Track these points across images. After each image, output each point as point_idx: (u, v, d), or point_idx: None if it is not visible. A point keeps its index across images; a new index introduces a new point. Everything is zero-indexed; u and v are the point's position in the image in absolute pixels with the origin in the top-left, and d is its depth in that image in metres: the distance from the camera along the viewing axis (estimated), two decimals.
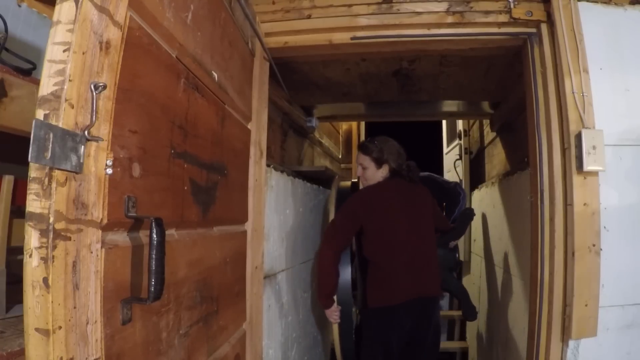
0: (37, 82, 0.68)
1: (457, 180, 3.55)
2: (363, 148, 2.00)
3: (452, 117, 3.64)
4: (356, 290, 2.51)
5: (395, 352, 1.78)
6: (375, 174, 1.95)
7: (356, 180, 2.65)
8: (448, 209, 2.59)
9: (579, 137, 1.30)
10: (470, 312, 2.49)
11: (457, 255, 2.59)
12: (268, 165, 1.75)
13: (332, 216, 2.42)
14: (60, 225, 0.56)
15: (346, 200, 1.92)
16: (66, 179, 0.57)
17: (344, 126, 4.47)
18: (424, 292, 1.80)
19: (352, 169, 4.25)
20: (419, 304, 1.78)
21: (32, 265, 0.54)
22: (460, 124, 3.82)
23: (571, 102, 1.34)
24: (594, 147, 1.28)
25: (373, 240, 1.84)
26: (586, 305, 1.28)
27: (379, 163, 1.94)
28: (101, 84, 0.62)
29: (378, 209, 1.83)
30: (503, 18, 1.51)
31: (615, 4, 1.42)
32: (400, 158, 1.96)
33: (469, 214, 2.41)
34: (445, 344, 3.37)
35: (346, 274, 2.34)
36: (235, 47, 1.30)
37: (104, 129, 0.64)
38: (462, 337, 3.52)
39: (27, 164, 0.54)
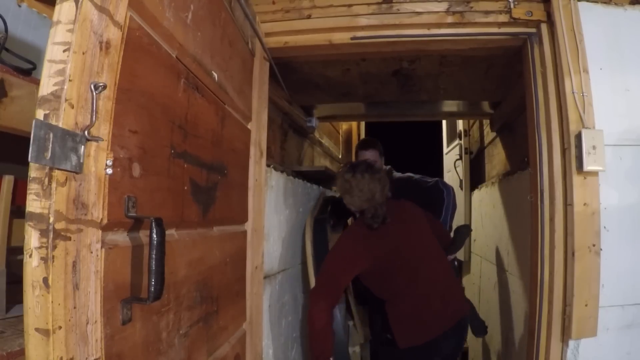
0: (37, 82, 0.68)
1: (462, 183, 3.51)
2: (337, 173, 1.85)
3: (452, 117, 3.64)
4: (352, 319, 2.32)
5: None
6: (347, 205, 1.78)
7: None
8: (434, 210, 2.27)
9: (579, 137, 1.30)
10: (479, 328, 2.24)
11: (455, 267, 2.35)
12: (268, 165, 1.75)
13: (309, 251, 2.13)
14: (60, 225, 0.56)
15: (337, 244, 1.70)
16: (66, 179, 0.57)
17: (344, 126, 4.46)
18: (457, 315, 1.65)
19: None
20: (456, 328, 1.64)
21: (32, 265, 0.54)
22: (460, 124, 3.82)
23: (571, 102, 1.34)
24: (594, 147, 1.28)
25: (380, 277, 1.65)
26: (586, 305, 1.28)
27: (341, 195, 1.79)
28: (101, 84, 0.62)
29: (374, 249, 1.64)
30: (503, 18, 1.51)
31: (615, 4, 1.42)
32: (368, 202, 1.67)
33: (465, 231, 2.10)
34: None
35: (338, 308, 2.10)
36: (235, 47, 1.30)
37: (104, 129, 0.64)
38: None
39: (27, 164, 0.54)
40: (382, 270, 1.63)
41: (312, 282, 2.01)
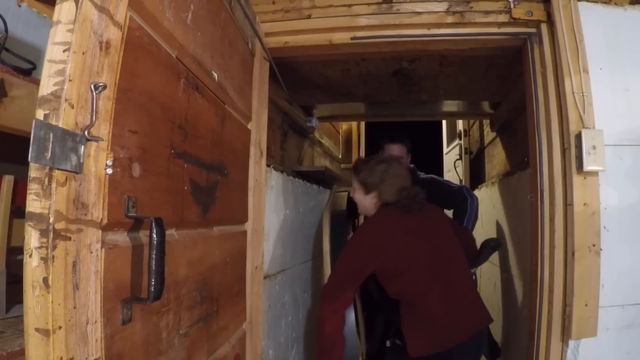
0: (37, 82, 0.68)
1: (462, 183, 3.47)
2: (355, 165, 1.72)
3: (452, 117, 3.64)
4: (357, 327, 2.15)
5: None
6: (363, 201, 1.67)
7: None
8: (454, 217, 2.21)
9: (579, 137, 1.30)
10: (493, 350, 2.10)
11: (474, 280, 2.14)
12: (268, 165, 1.75)
13: (326, 247, 2.04)
14: (60, 225, 0.56)
15: (349, 243, 1.59)
16: (66, 179, 0.57)
17: (344, 126, 4.46)
18: (475, 327, 1.51)
19: None
20: (473, 342, 1.50)
21: (32, 265, 0.54)
22: (460, 124, 3.82)
23: (571, 102, 1.34)
24: (594, 147, 1.28)
25: (399, 275, 1.51)
26: (586, 305, 1.28)
27: (367, 189, 1.65)
28: (101, 84, 0.62)
29: (394, 245, 1.51)
30: (503, 18, 1.51)
31: (615, 4, 1.42)
32: (402, 189, 1.60)
33: (494, 245, 1.94)
34: None
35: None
36: (235, 47, 1.30)
37: (104, 129, 0.64)
38: None
39: (27, 164, 0.54)
40: (403, 268, 1.49)
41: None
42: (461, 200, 2.17)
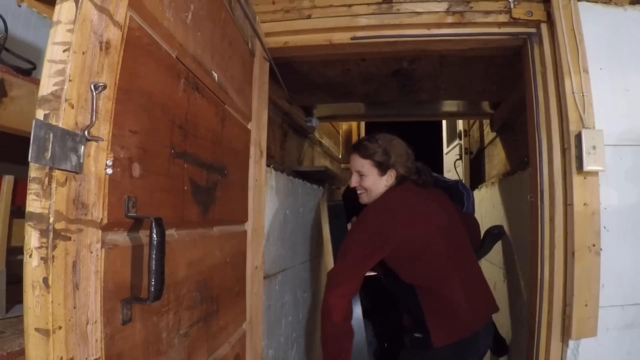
0: (37, 82, 0.68)
1: (458, 178, 3.45)
2: (361, 149, 1.56)
3: (452, 117, 3.64)
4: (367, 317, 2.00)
5: None
6: (377, 184, 1.53)
7: (345, 191, 2.32)
8: None
9: (579, 137, 1.30)
10: (500, 346, 2.06)
11: None
12: (268, 165, 1.75)
13: (326, 231, 1.95)
14: (60, 225, 0.56)
15: (359, 224, 1.46)
16: (66, 179, 0.57)
17: (344, 126, 4.47)
18: (490, 311, 1.50)
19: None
20: (489, 324, 1.48)
21: (32, 265, 0.54)
22: (460, 124, 3.82)
23: (571, 102, 1.34)
24: (594, 147, 1.28)
25: (414, 257, 1.42)
26: (586, 305, 1.28)
27: (382, 169, 1.52)
28: (101, 84, 0.62)
29: (409, 225, 1.41)
30: (503, 18, 1.51)
31: (615, 4, 1.42)
32: (409, 160, 1.56)
33: (498, 233, 1.94)
34: None
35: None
36: (235, 47, 1.30)
37: (104, 129, 0.64)
38: None
39: (27, 164, 0.54)
40: (420, 250, 1.40)
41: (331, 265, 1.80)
42: (457, 196, 2.10)
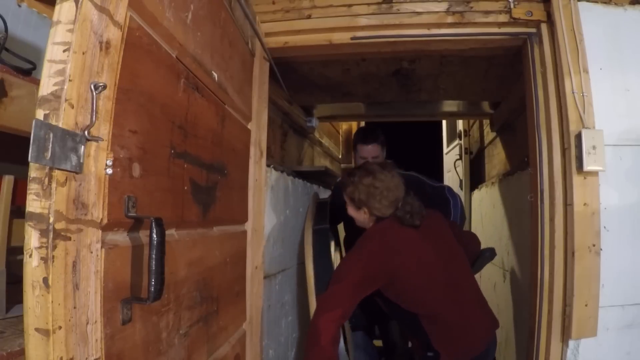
0: (37, 82, 0.68)
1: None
2: (341, 181, 1.62)
3: (452, 117, 3.65)
4: (346, 345, 1.97)
5: None
6: (357, 216, 1.56)
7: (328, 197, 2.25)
8: None
9: (579, 137, 1.30)
10: None
11: None
12: (268, 165, 1.75)
13: (310, 272, 1.86)
14: (60, 225, 0.56)
15: (357, 251, 1.45)
16: (66, 179, 0.57)
17: (344, 126, 4.47)
18: (493, 328, 1.49)
19: None
20: (493, 343, 1.48)
21: (32, 265, 0.54)
22: (460, 124, 3.82)
23: (571, 102, 1.34)
24: (594, 147, 1.28)
25: (413, 287, 1.43)
26: (586, 305, 1.28)
27: (356, 206, 1.53)
28: (101, 84, 0.62)
29: (403, 256, 1.42)
30: (503, 18, 1.51)
31: (615, 4, 1.42)
32: (394, 203, 1.48)
33: (489, 256, 1.88)
34: None
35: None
36: (235, 47, 1.30)
37: (104, 129, 0.64)
38: None
39: (27, 164, 0.54)
40: (415, 279, 1.41)
41: (313, 305, 1.76)
42: (444, 202, 1.96)
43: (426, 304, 1.42)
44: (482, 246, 1.88)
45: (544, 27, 1.47)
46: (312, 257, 1.89)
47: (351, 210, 1.58)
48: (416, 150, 5.23)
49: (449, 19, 1.54)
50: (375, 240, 1.45)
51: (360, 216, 1.55)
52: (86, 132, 0.60)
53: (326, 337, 1.32)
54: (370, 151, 2.02)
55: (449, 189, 2.02)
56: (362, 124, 4.58)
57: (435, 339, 1.40)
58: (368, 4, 1.57)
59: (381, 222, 1.51)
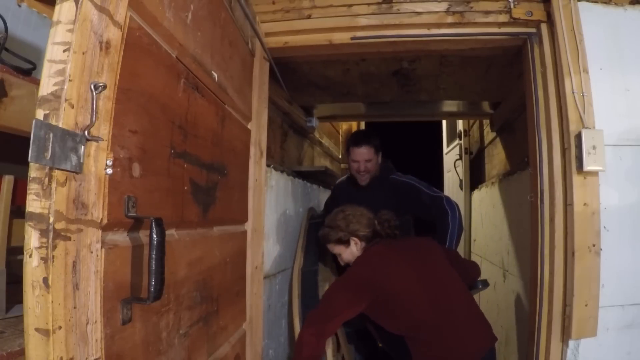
0: (37, 82, 0.68)
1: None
2: (323, 239, 1.70)
3: (452, 117, 3.65)
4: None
5: None
6: (349, 254, 1.64)
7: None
8: (436, 233, 1.92)
9: (579, 137, 1.30)
10: None
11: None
12: (268, 165, 1.75)
13: (295, 306, 1.92)
14: (60, 225, 0.56)
15: (346, 275, 1.53)
16: (66, 179, 0.57)
17: (344, 126, 4.47)
18: (490, 341, 1.50)
19: None
20: (492, 355, 1.49)
21: (32, 265, 0.54)
22: (460, 124, 3.82)
23: (571, 102, 1.34)
24: (594, 147, 1.28)
25: (394, 313, 1.46)
26: (586, 305, 1.28)
27: (344, 243, 1.64)
28: (101, 84, 0.62)
29: (388, 278, 1.47)
30: (503, 18, 1.51)
31: (615, 4, 1.42)
32: (370, 221, 1.64)
33: (482, 288, 1.85)
34: None
35: None
36: (235, 47, 1.30)
37: (104, 129, 0.64)
38: None
39: (27, 164, 0.54)
40: (401, 300, 1.45)
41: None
42: (441, 215, 1.91)
43: (409, 325, 1.45)
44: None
45: (544, 27, 1.47)
46: (299, 298, 1.96)
47: (345, 255, 1.66)
48: (416, 150, 5.24)
49: (449, 19, 1.54)
50: (363, 265, 1.54)
51: (352, 250, 1.64)
52: (86, 132, 0.60)
53: (307, 350, 1.42)
54: (362, 154, 1.99)
55: (447, 199, 1.98)
56: (362, 124, 4.59)
57: (417, 357, 1.43)
58: (368, 4, 1.57)
59: (370, 249, 1.60)
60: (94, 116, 0.61)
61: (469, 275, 1.74)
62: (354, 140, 2.06)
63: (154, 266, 0.68)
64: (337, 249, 1.67)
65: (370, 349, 2.17)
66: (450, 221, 1.90)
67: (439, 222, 1.92)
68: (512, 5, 1.49)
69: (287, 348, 2.14)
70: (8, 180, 0.99)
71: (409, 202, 1.98)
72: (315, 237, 2.20)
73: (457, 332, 1.43)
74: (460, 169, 3.74)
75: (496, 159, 2.84)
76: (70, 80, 0.57)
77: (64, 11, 0.59)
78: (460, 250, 2.98)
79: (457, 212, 1.95)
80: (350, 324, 1.84)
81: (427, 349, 1.43)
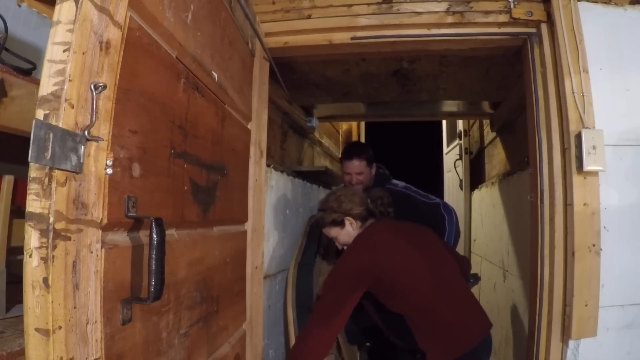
0: (37, 82, 0.68)
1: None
2: (319, 223, 1.68)
3: (452, 117, 3.64)
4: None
5: None
6: (345, 235, 1.60)
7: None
8: None
9: (579, 137, 1.30)
10: None
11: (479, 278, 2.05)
12: (268, 165, 1.75)
13: (289, 313, 1.88)
14: (60, 225, 0.56)
15: (343, 259, 1.50)
16: (66, 179, 0.57)
17: (344, 126, 4.47)
18: (486, 328, 1.49)
19: None
20: (486, 342, 1.48)
21: (32, 265, 0.54)
22: (460, 124, 3.82)
23: (571, 102, 1.34)
24: (594, 147, 1.28)
25: (397, 290, 1.44)
26: (586, 305, 1.28)
27: (341, 223, 1.60)
28: (101, 84, 0.62)
29: (389, 253, 1.46)
30: (503, 18, 1.51)
31: (615, 4, 1.42)
32: (362, 199, 1.63)
33: (473, 282, 1.88)
34: None
35: None
36: (235, 47, 1.30)
37: (104, 129, 0.64)
38: None
39: (27, 164, 0.54)
40: (403, 277, 1.43)
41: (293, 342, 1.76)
42: (438, 220, 1.94)
43: (412, 303, 1.43)
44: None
45: (544, 27, 1.47)
46: (293, 287, 1.96)
47: (339, 233, 1.62)
48: (416, 151, 5.24)
49: (449, 19, 1.54)
50: (361, 247, 1.51)
51: (349, 229, 1.60)
52: (86, 132, 0.60)
53: (313, 344, 1.36)
54: (354, 167, 2.04)
55: (444, 204, 2.00)
56: (362, 124, 4.59)
57: (421, 339, 1.42)
58: (368, 4, 1.58)
59: (367, 228, 1.58)
60: (94, 116, 0.61)
61: (462, 268, 1.72)
62: (345, 153, 2.11)
63: (154, 266, 0.68)
64: (333, 232, 1.63)
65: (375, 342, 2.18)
66: (447, 225, 1.93)
67: (437, 227, 1.91)
68: (512, 5, 1.49)
69: (287, 348, 2.14)
70: (8, 180, 0.99)
71: (405, 211, 1.96)
72: (314, 237, 2.23)
73: (459, 314, 1.43)
74: (460, 169, 3.74)
75: (496, 159, 2.84)
76: (70, 80, 0.57)
77: (64, 11, 0.59)
78: (460, 250, 2.98)
79: (454, 216, 1.98)
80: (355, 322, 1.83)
81: (428, 330, 1.42)
